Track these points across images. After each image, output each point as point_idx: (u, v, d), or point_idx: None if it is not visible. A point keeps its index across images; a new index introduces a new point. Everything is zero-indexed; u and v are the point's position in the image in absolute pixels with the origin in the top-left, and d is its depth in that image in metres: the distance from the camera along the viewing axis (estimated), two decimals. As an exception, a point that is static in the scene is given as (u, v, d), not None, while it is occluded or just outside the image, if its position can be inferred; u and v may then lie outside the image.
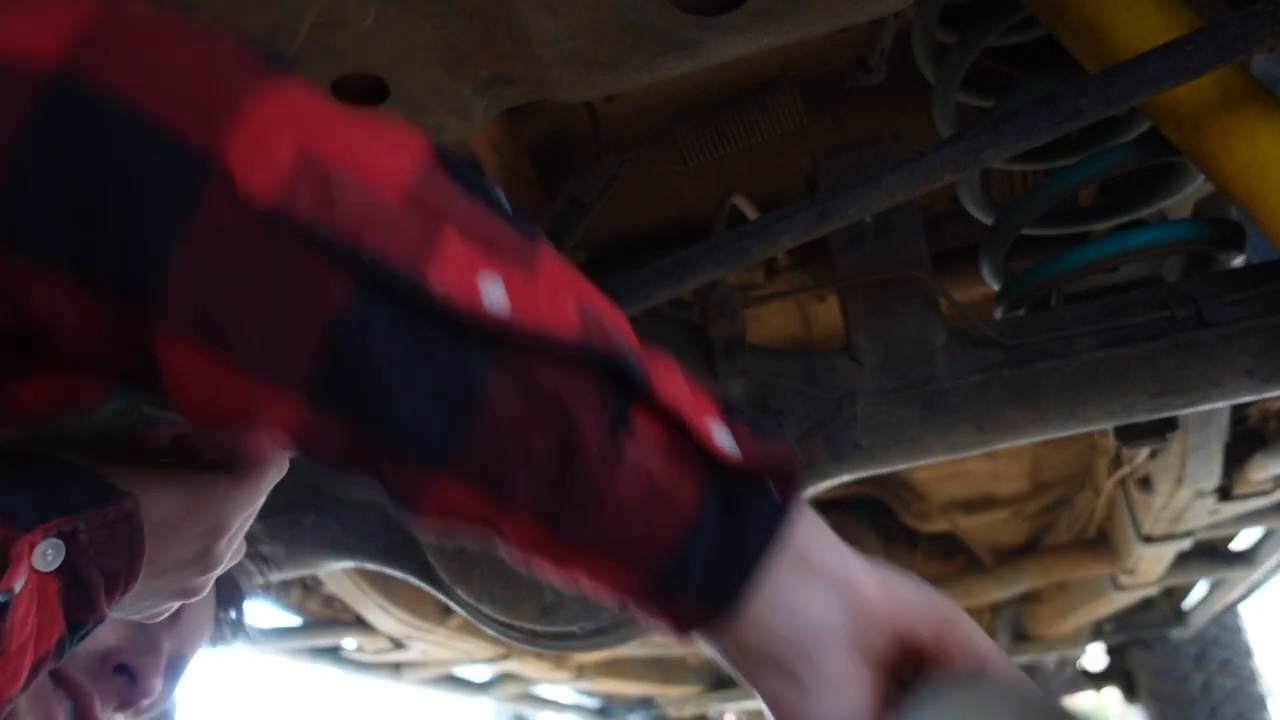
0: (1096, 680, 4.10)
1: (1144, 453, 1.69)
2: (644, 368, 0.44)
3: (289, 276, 0.40)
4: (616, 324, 0.46)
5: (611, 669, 3.07)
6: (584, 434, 0.42)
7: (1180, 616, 3.11)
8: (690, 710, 3.81)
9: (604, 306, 0.46)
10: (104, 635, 0.69)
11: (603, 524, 0.44)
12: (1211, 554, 2.43)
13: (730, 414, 0.46)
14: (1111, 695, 4.18)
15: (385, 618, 1.88)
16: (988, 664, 0.50)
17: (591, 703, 3.83)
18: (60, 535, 0.49)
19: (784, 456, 0.47)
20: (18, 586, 0.46)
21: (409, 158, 0.44)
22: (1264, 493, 1.71)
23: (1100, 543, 2.30)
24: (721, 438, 0.45)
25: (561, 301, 0.44)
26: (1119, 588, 2.39)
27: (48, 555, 0.48)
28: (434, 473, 0.43)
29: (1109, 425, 1.11)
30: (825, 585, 0.47)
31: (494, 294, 0.42)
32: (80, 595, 0.50)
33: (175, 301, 0.40)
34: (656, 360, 0.46)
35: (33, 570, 0.47)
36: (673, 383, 0.45)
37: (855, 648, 0.48)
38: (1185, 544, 1.95)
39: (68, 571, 0.49)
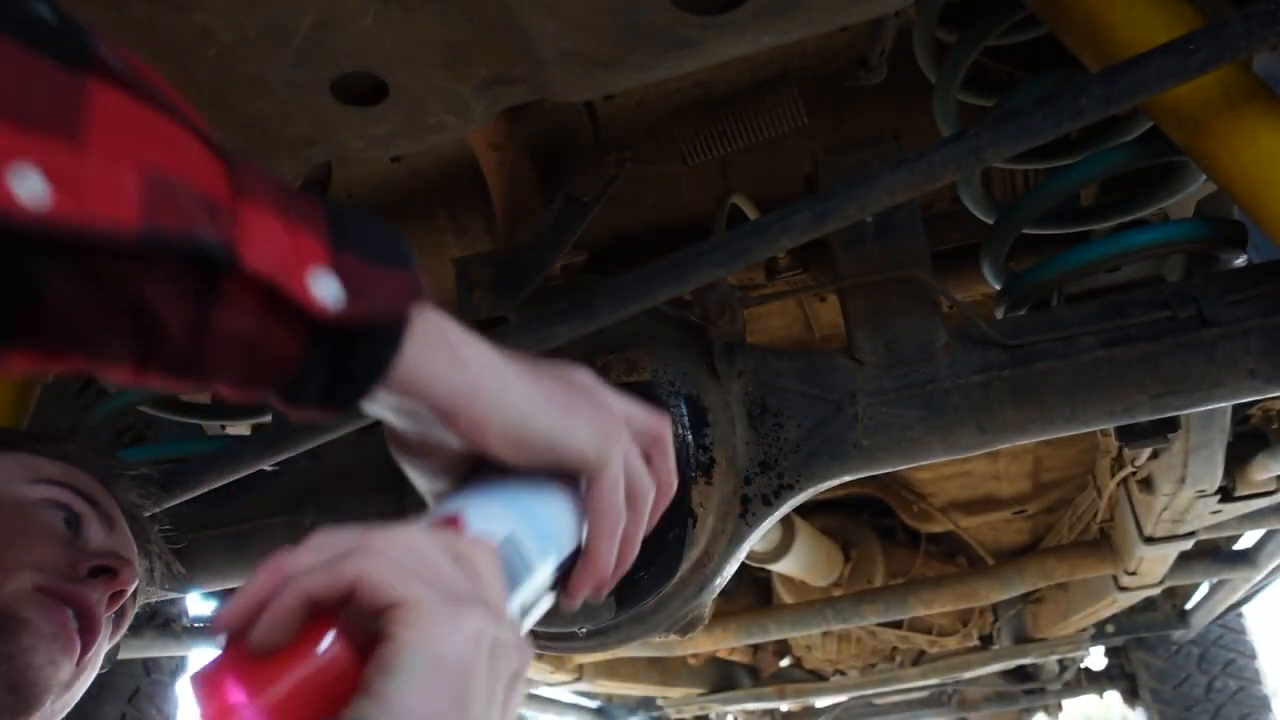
0: (1098, 682, 4.09)
1: (1146, 453, 1.68)
2: (227, 237, 0.41)
3: None
4: (197, 183, 0.41)
5: (611, 670, 3.07)
6: (165, 320, 0.42)
7: (1182, 617, 3.11)
8: (690, 711, 3.80)
9: (180, 163, 0.41)
10: (53, 553, 0.75)
11: (208, 378, 0.45)
12: (1214, 555, 2.43)
13: (343, 249, 0.46)
14: (1113, 697, 4.17)
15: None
16: None
17: (591, 704, 3.83)
18: None
19: (403, 289, 0.48)
20: None
21: None
22: (1266, 493, 1.70)
23: (1102, 543, 2.29)
24: (323, 290, 0.44)
25: (117, 180, 0.38)
26: (1121, 588, 2.39)
27: None
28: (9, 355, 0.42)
29: (1110, 425, 1.11)
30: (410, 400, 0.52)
31: (30, 186, 0.36)
32: None
33: None
34: (249, 213, 0.43)
35: None
36: (266, 238, 0.43)
37: (429, 435, 0.55)
38: (1187, 545, 1.94)
39: None
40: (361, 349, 0.47)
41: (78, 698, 0.81)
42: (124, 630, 0.87)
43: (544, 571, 0.54)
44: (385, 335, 0.48)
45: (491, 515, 0.53)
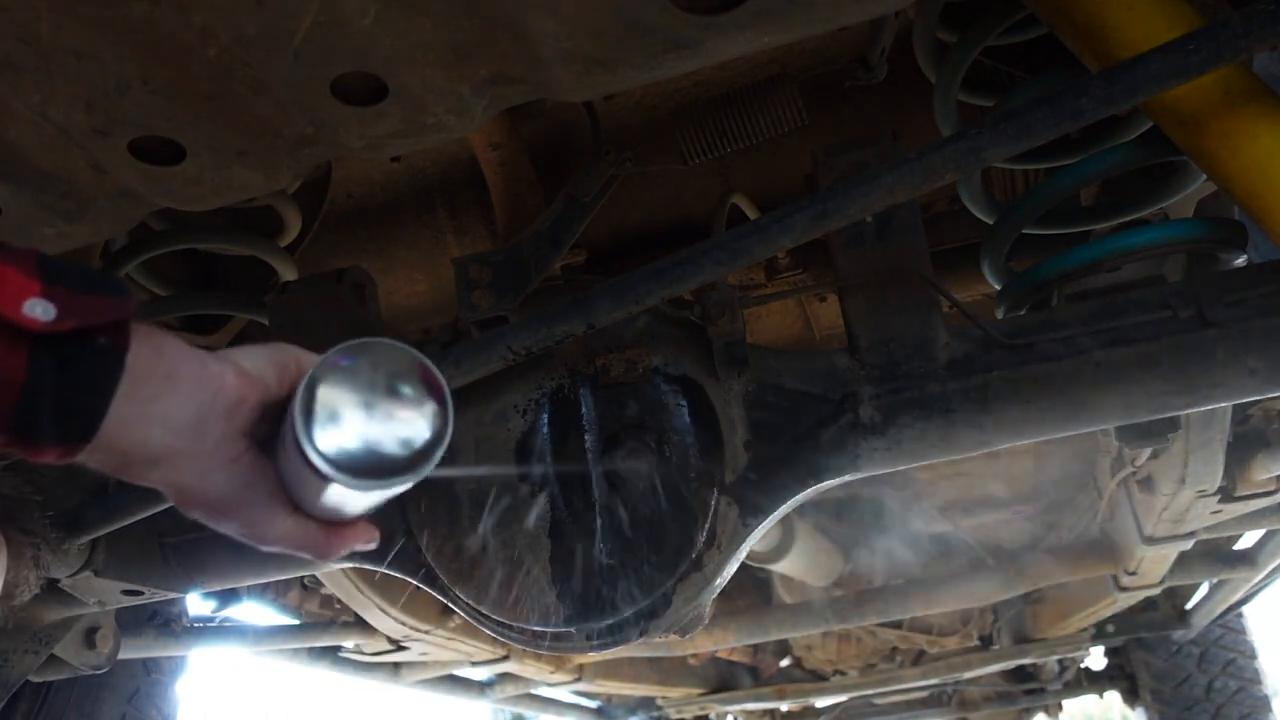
0: (1098, 682, 4.09)
1: (1146, 453, 1.68)
2: None
3: None
4: None
5: (611, 670, 3.07)
6: None
7: (1182, 617, 3.11)
8: (690, 711, 3.80)
9: None
10: None
11: None
12: (1214, 555, 2.42)
13: (55, 284, 0.56)
14: (1113, 697, 4.17)
15: (384, 618, 1.88)
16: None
17: (591, 704, 3.83)
18: None
19: (110, 308, 0.58)
20: None
21: None
22: (1266, 493, 1.70)
23: (1102, 543, 2.29)
24: (38, 311, 0.55)
25: None
26: (1121, 588, 2.39)
27: None
28: None
29: (1110, 425, 1.11)
30: (186, 390, 0.63)
31: None
32: None
33: None
34: None
35: None
36: None
37: (227, 427, 0.65)
38: (1187, 545, 1.95)
39: None
40: (86, 355, 0.57)
41: None
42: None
43: None
44: (105, 343, 0.58)
45: None
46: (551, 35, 0.77)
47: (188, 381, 0.63)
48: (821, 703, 4.18)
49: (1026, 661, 3.37)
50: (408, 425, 0.66)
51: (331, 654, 2.28)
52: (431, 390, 0.67)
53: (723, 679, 3.65)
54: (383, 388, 0.66)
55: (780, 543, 2.45)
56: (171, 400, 0.62)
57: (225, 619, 2.14)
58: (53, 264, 0.57)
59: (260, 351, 0.70)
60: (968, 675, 3.33)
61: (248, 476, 0.68)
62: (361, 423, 0.65)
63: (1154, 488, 1.72)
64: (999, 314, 1.20)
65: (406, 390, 0.66)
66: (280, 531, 0.71)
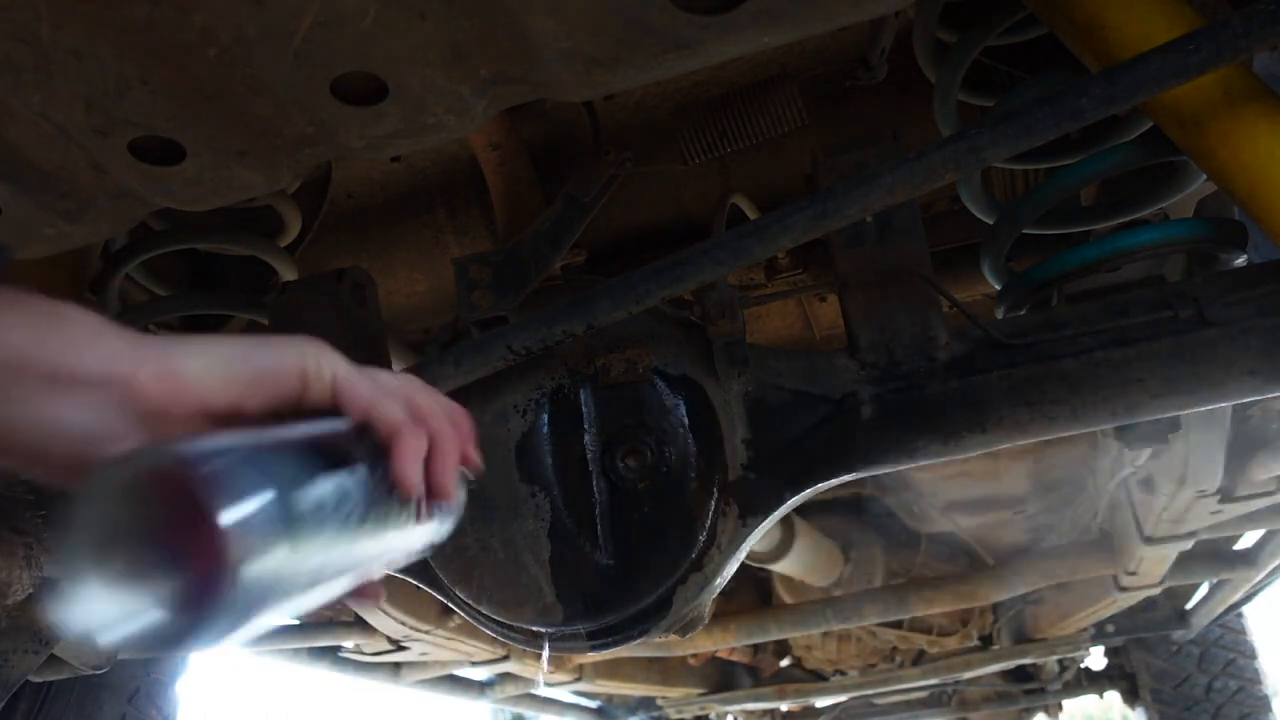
0: (1098, 682, 4.09)
1: (1146, 453, 1.68)
2: None
3: None
4: None
5: (612, 670, 3.07)
6: None
7: (1182, 617, 3.11)
8: (690, 711, 3.81)
9: None
10: None
11: None
12: (1214, 555, 2.43)
13: None
14: (1113, 697, 4.17)
15: (384, 619, 1.88)
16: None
17: (591, 704, 3.83)
18: None
19: None
20: None
21: None
22: (1266, 493, 1.70)
23: (1102, 543, 2.29)
24: None
25: None
26: (1121, 589, 2.39)
27: None
28: None
29: (1111, 425, 1.11)
30: (85, 393, 0.48)
31: None
32: None
33: None
34: None
35: None
36: None
37: (144, 434, 0.49)
38: (1187, 545, 1.95)
39: None
40: None
41: None
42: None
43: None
44: None
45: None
46: (551, 35, 0.77)
47: (87, 381, 0.48)
48: (821, 703, 4.18)
49: (1026, 661, 3.37)
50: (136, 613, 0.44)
51: (331, 654, 2.28)
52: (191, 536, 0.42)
53: (723, 679, 3.65)
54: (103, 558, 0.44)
55: (780, 543, 2.45)
56: (63, 407, 0.48)
57: (225, 619, 2.14)
58: None
59: (237, 352, 0.54)
60: (968, 675, 3.33)
61: None
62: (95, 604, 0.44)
63: (1154, 488, 1.72)
64: (999, 314, 1.20)
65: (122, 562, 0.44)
66: None
